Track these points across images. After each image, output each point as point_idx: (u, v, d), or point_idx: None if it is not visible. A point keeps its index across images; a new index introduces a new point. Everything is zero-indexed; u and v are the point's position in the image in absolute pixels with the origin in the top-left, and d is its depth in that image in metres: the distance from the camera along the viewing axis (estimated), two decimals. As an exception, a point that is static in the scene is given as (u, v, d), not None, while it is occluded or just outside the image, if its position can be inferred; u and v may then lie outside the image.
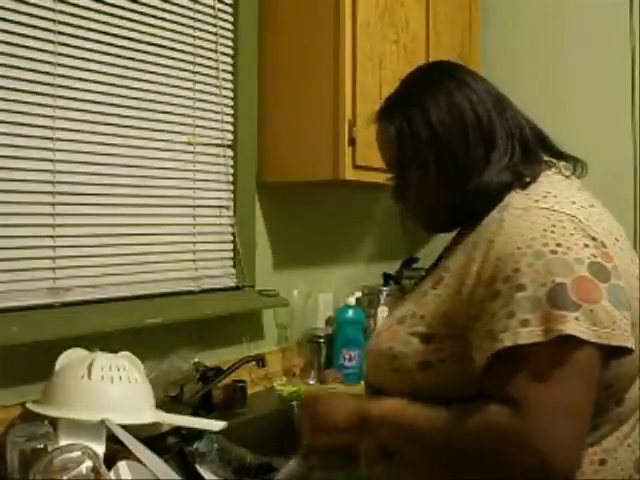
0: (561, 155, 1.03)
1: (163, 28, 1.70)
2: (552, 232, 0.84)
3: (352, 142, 1.79)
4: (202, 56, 1.82)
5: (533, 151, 1.00)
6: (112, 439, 1.20)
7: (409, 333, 0.94)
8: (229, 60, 1.91)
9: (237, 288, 1.91)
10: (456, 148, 0.97)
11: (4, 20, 1.36)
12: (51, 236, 1.46)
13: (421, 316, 0.94)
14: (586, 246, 0.83)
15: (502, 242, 0.86)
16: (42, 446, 1.10)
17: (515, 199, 0.93)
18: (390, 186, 1.09)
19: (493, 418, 0.79)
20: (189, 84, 1.78)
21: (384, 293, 2.27)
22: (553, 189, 0.93)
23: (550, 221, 0.85)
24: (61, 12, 1.46)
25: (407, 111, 1.00)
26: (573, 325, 0.77)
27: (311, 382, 1.99)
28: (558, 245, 0.82)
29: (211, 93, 1.85)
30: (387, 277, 2.46)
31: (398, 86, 1.08)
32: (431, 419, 0.86)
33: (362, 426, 0.95)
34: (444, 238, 1.09)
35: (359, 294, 2.24)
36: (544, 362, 0.78)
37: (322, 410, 1.01)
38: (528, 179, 0.95)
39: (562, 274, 0.80)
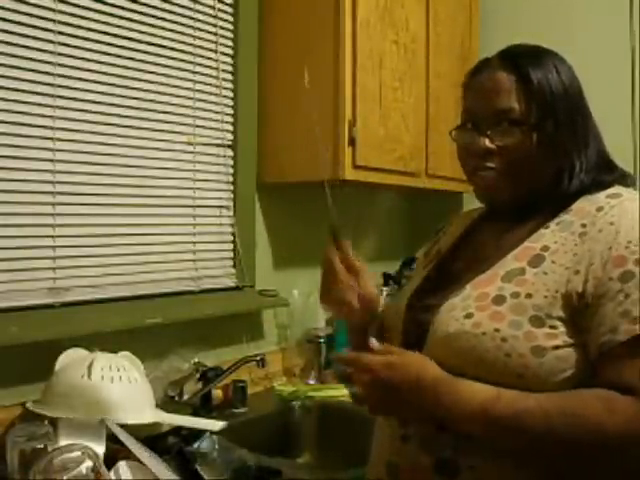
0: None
1: (163, 28, 1.70)
2: None
3: (352, 142, 1.79)
4: (202, 56, 1.82)
5: (607, 155, 1.02)
6: (112, 439, 1.20)
7: (516, 314, 0.87)
8: (229, 60, 1.91)
9: (237, 288, 1.90)
10: (577, 115, 0.98)
11: (4, 20, 1.36)
12: (51, 236, 1.46)
13: (527, 295, 0.88)
14: None
15: (629, 226, 0.88)
16: (42, 446, 1.10)
17: (617, 189, 0.95)
18: (478, 140, 0.98)
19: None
20: (189, 84, 1.78)
21: (384, 293, 2.28)
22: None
23: None
24: (61, 12, 1.46)
25: (542, 61, 0.98)
26: None
27: (311, 382, 1.99)
28: None
29: (211, 93, 1.85)
30: (387, 277, 2.46)
31: (517, 45, 1.02)
32: (549, 410, 0.82)
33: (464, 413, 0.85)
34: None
35: (359, 294, 2.24)
36: None
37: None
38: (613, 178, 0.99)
39: None
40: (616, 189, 0.96)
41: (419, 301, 1.02)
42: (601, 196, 0.94)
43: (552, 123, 0.95)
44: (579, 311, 0.86)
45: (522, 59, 0.98)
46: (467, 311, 0.90)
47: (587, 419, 0.80)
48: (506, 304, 0.88)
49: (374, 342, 0.94)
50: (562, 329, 0.86)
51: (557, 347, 0.85)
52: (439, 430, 0.89)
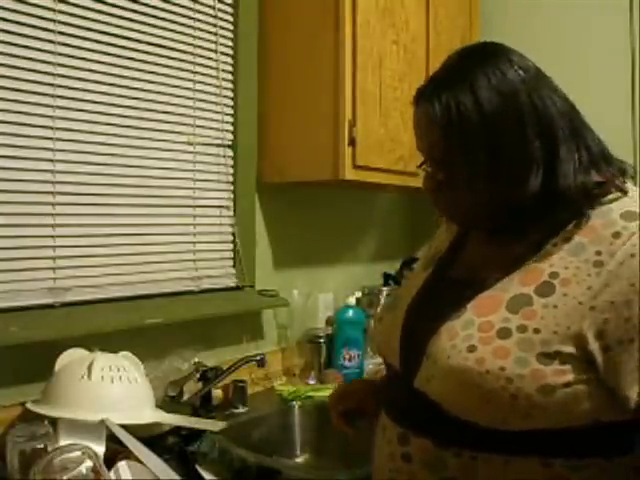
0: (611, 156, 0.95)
1: (163, 28, 1.70)
2: None
3: (352, 142, 1.79)
4: (202, 56, 1.82)
5: (600, 149, 0.93)
6: (112, 439, 1.20)
7: (522, 350, 0.80)
8: (229, 60, 1.91)
9: (237, 288, 1.91)
10: (511, 135, 0.87)
11: (4, 20, 1.36)
12: (51, 236, 1.46)
13: (535, 330, 0.81)
14: None
15: None
16: (42, 446, 1.10)
17: (628, 204, 0.86)
18: (425, 176, 0.96)
19: None
20: (189, 84, 1.78)
21: (384, 293, 2.28)
22: None
23: None
24: (61, 12, 1.46)
25: (454, 90, 0.88)
26: None
27: (311, 382, 1.99)
28: None
29: (211, 93, 1.85)
30: (387, 277, 2.47)
31: (441, 65, 0.95)
32: None
33: None
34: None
35: (359, 294, 2.25)
36: None
37: None
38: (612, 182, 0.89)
39: None
40: (627, 203, 0.86)
41: (416, 319, 0.97)
42: (614, 215, 0.85)
43: (484, 150, 0.87)
44: (595, 351, 0.80)
45: (430, 91, 0.91)
46: (470, 342, 0.84)
47: None
48: (512, 338, 0.82)
49: None
50: (573, 364, 0.80)
51: (568, 384, 0.79)
52: (441, 447, 0.86)
